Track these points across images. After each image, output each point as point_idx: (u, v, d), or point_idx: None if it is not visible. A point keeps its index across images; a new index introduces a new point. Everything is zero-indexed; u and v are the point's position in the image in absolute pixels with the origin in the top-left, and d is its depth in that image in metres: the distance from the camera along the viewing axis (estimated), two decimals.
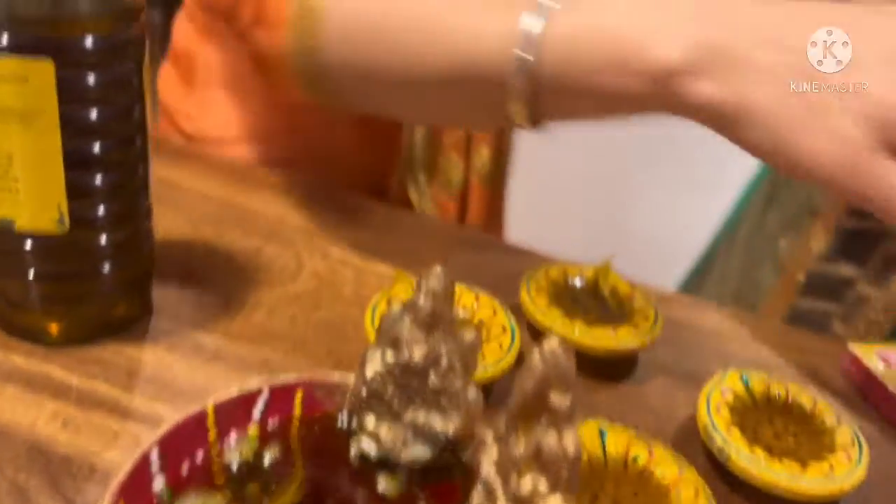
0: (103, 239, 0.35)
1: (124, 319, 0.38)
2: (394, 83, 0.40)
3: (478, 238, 0.52)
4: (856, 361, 0.44)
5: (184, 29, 0.62)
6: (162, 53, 0.67)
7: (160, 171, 0.52)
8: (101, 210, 0.34)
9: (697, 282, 0.76)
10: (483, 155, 0.65)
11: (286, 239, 0.47)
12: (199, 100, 0.59)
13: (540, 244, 0.51)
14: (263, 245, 0.46)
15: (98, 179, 0.33)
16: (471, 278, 0.47)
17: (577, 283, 0.44)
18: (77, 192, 0.33)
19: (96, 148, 0.33)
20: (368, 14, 0.40)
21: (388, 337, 0.26)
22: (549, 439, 0.21)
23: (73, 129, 0.32)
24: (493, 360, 0.37)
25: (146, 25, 0.34)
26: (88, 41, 0.31)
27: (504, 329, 0.39)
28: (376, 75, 0.40)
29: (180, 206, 0.49)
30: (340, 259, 0.46)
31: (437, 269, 0.25)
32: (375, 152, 0.62)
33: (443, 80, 0.38)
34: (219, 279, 0.43)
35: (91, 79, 0.31)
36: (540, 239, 0.52)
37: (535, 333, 0.42)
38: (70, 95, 0.31)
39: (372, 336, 0.36)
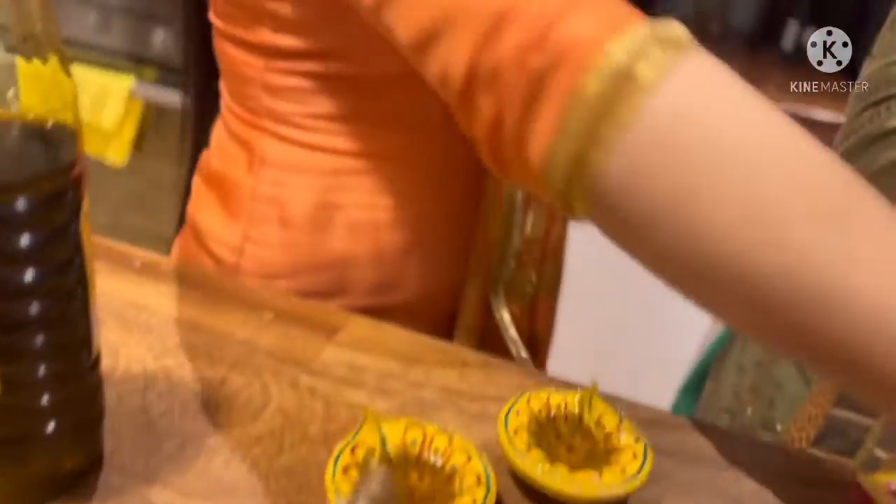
0: (44, 400, 0.33)
1: (70, 475, 0.35)
2: (709, 259, 0.29)
3: (459, 353, 0.49)
4: (862, 496, 0.40)
5: (225, 148, 0.57)
6: (196, 154, 0.64)
7: (128, 292, 0.50)
8: (40, 371, 0.32)
9: (716, 368, 0.72)
10: (551, 267, 0.64)
11: (254, 366, 0.45)
12: (243, 233, 0.55)
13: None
14: (229, 374, 0.44)
15: (35, 341, 0.31)
16: (453, 402, 0.44)
17: (561, 413, 0.42)
18: (12, 356, 0.31)
19: (32, 310, 0.31)
20: (721, 140, 0.29)
21: None
22: None
23: (4, 293, 0.30)
24: None
25: (84, 167, 0.33)
26: (20, 204, 0.29)
27: (479, 480, 0.36)
28: (680, 234, 0.29)
29: (145, 331, 0.47)
30: (310, 388, 0.44)
31: (380, 472, 0.23)
32: (451, 277, 0.59)
33: (804, 324, 0.29)
34: (177, 420, 0.40)
35: (23, 241, 0.29)
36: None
37: (515, 477, 0.39)
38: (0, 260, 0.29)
39: (331, 493, 0.34)
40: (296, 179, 0.54)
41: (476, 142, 0.36)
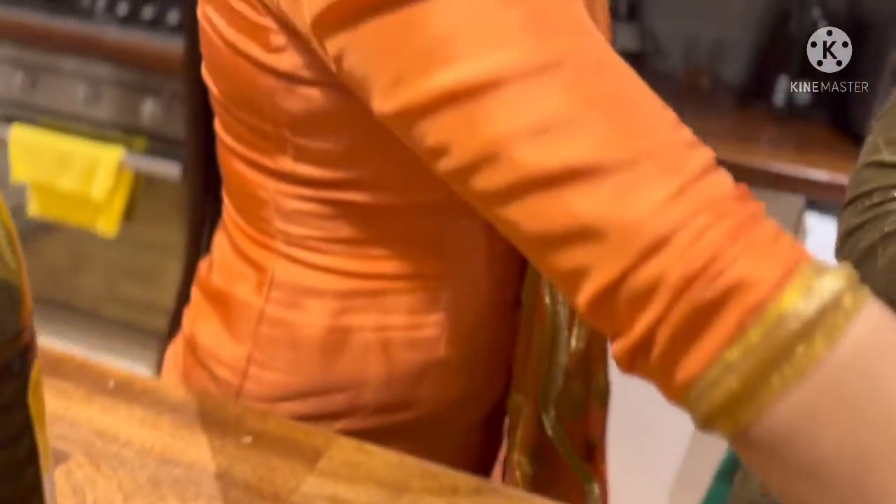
0: None
1: None
2: None
3: (449, 478, 0.47)
4: None
5: (229, 265, 0.54)
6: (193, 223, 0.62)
7: (99, 419, 0.48)
8: None
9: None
10: (600, 375, 0.62)
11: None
12: (248, 355, 0.52)
13: None
14: None
15: None
16: None
17: None
18: None
19: None
20: None
21: None
22: None
23: None
24: None
25: (32, 331, 0.30)
26: None
27: None
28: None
29: (116, 465, 0.44)
30: None
31: None
32: (475, 390, 0.57)
33: None
34: None
35: None
36: None
37: None
38: None
39: None
40: (308, 302, 0.51)
41: (610, 338, 0.35)
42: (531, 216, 0.33)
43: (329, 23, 0.36)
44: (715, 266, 0.30)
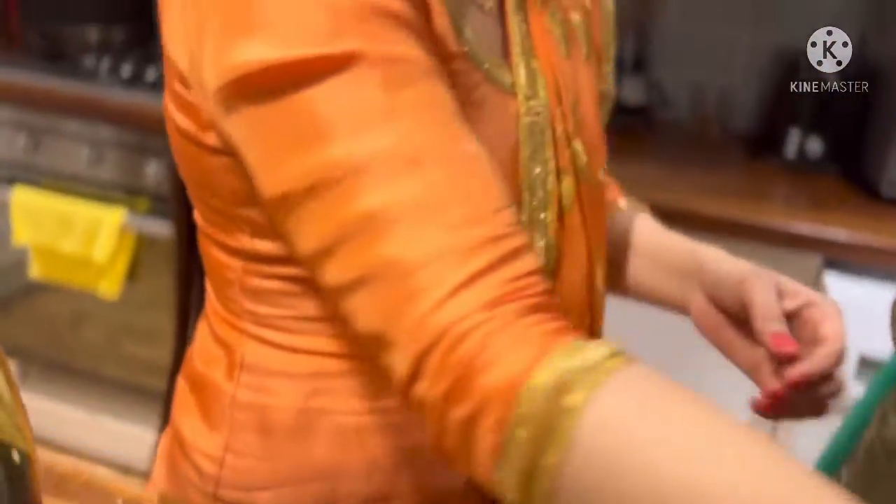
0: None
1: None
2: None
3: None
4: None
5: (207, 350, 0.54)
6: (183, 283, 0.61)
7: None
8: None
9: None
10: None
11: None
12: (224, 443, 0.51)
13: None
14: None
15: None
16: None
17: None
18: None
19: None
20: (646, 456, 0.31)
21: None
22: None
23: None
24: None
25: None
26: None
27: None
28: None
29: None
30: None
31: None
32: (462, 479, 0.54)
33: None
34: None
35: None
36: None
37: None
38: None
39: None
40: (277, 384, 0.50)
41: None
42: (363, 314, 0.37)
43: (218, 102, 0.40)
44: (466, 378, 0.34)
